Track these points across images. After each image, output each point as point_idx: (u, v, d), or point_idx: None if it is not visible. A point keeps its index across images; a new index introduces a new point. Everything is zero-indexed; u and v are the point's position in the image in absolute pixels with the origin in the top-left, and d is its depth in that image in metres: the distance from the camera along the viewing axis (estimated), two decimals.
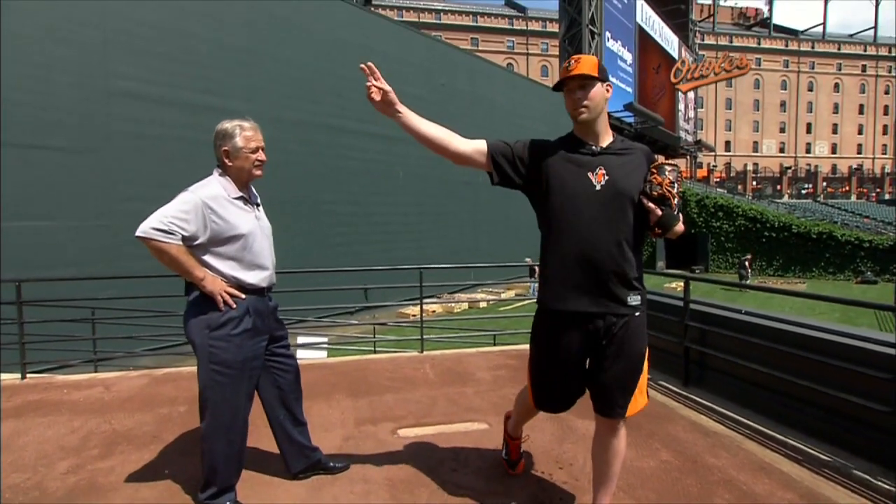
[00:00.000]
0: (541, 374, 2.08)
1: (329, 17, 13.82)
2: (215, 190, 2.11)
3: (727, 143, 72.72)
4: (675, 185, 1.79)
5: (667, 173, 1.80)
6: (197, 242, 2.06)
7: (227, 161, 2.16)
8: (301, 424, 2.48)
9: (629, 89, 33.78)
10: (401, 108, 1.99)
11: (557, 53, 35.64)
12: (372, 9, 16.65)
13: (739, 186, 49.98)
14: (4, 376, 4.39)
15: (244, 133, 2.18)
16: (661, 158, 1.97)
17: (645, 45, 35.86)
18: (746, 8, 79.91)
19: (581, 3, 29.01)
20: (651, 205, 1.80)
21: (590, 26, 29.35)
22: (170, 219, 1.99)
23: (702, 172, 52.85)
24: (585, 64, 1.86)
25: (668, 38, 39.94)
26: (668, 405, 3.72)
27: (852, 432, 2.87)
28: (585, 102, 1.86)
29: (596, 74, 1.85)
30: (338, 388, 3.97)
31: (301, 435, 2.48)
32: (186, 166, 7.73)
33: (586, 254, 1.84)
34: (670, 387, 4.12)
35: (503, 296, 17.68)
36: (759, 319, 3.55)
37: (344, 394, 3.83)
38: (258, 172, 2.23)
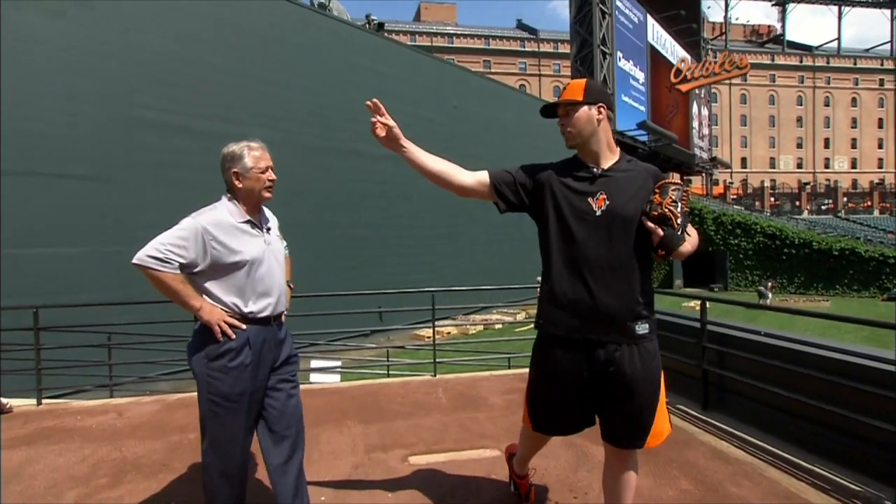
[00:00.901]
0: (537, 395, 2.02)
1: (343, 44, 14.10)
2: (219, 215, 2.04)
3: (743, 160, 72.06)
4: (679, 203, 1.73)
5: (669, 192, 1.74)
6: (197, 269, 1.99)
7: (236, 183, 2.09)
8: (286, 473, 2.12)
9: (642, 108, 33.80)
10: (405, 142, 1.98)
11: (570, 74, 35.86)
12: (385, 35, 16.94)
13: (757, 203, 49.32)
14: (21, 402, 4.43)
15: (252, 153, 2.12)
16: (675, 176, 1.91)
17: (657, 63, 35.97)
18: (759, 25, 79.94)
19: (592, 24, 29.28)
20: (651, 225, 1.74)
21: (601, 47, 29.56)
22: (166, 246, 1.93)
23: (718, 189, 52.36)
24: (570, 90, 1.88)
25: (680, 57, 40.01)
26: (687, 430, 3.60)
27: (883, 461, 2.74)
28: (569, 129, 1.86)
29: (580, 98, 1.84)
30: (349, 413, 3.92)
31: (284, 489, 2.12)
32: (204, 193, 7.83)
33: (586, 281, 1.80)
34: (689, 411, 3.99)
35: (518, 317, 17.52)
36: (780, 342, 3.43)
37: (355, 419, 3.78)
38: (268, 194, 2.16)
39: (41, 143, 8.66)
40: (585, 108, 1.84)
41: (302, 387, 4.88)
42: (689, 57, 30.46)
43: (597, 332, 1.80)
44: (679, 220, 1.71)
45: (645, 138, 33.52)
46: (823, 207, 52.03)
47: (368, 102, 1.91)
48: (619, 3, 31.23)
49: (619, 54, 31.15)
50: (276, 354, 2.16)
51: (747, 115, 72.40)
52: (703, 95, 44.95)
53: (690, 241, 1.78)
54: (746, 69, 27.76)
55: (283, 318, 2.23)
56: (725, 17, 70.07)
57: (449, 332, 15.31)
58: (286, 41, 12.70)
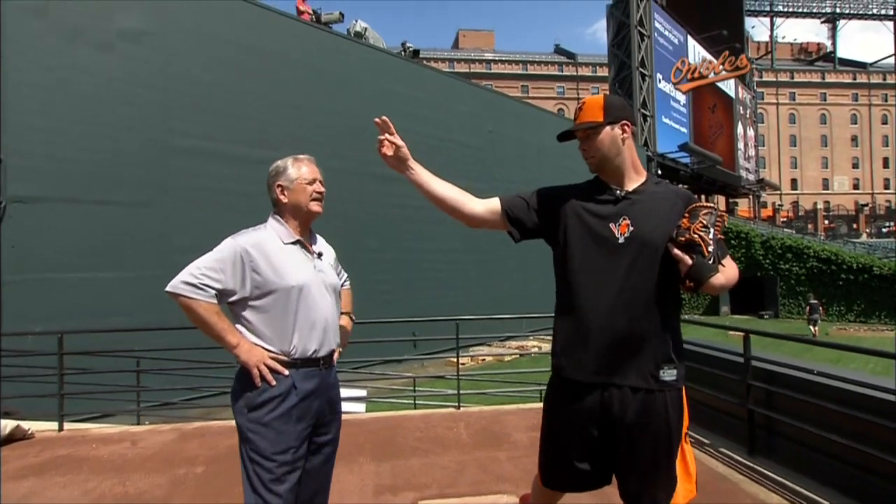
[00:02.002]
0: (549, 446, 1.78)
1: (378, 70, 14.33)
2: (263, 235, 1.83)
3: (793, 181, 69.31)
4: (710, 229, 1.52)
5: (700, 216, 1.54)
6: (235, 298, 1.76)
7: (282, 198, 1.89)
8: None
9: (684, 129, 33.06)
10: (413, 164, 1.87)
11: None
12: (420, 61, 17.17)
13: (809, 226, 47.09)
14: (43, 425, 4.45)
15: (298, 164, 1.95)
16: (708, 199, 1.66)
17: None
18: (807, 43, 77.60)
19: (630, 47, 29.03)
20: (678, 252, 1.53)
21: (640, 69, 29.22)
22: (202, 270, 1.72)
23: (766, 212, 50.38)
24: (588, 110, 1.69)
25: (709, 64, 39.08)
26: (731, 478, 3.27)
27: None
28: (592, 153, 1.69)
29: (601, 119, 1.65)
30: (363, 449, 3.75)
31: None
32: (239, 217, 7.98)
33: (607, 317, 1.59)
34: (733, 455, 3.64)
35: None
36: (836, 382, 3.08)
37: (368, 456, 3.60)
38: (317, 208, 1.93)
39: (86, 170, 9.01)
40: (608, 128, 1.65)
41: None
42: (688, 58, 29.37)
43: (616, 376, 1.59)
44: (710, 248, 1.51)
45: (687, 160, 32.68)
46: (884, 230, 49.16)
47: (377, 119, 1.82)
48: (658, 25, 30.89)
49: (659, 76, 30.68)
50: (323, 404, 1.86)
51: (797, 135, 69.87)
52: (748, 115, 43.69)
53: (726, 273, 1.54)
54: (747, 69, 26.84)
55: (334, 359, 1.94)
56: (771, 35, 68.41)
57: (483, 359, 14.98)
58: (321, 69, 12.99)
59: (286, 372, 1.77)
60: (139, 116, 9.67)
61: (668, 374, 1.59)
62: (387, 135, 1.82)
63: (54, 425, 4.43)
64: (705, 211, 1.55)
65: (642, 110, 29.18)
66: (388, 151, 1.83)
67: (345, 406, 6.36)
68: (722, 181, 37.31)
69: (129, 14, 9.69)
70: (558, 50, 69.74)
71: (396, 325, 10.16)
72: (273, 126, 11.74)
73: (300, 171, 1.94)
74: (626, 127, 1.66)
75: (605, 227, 1.62)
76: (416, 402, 6.66)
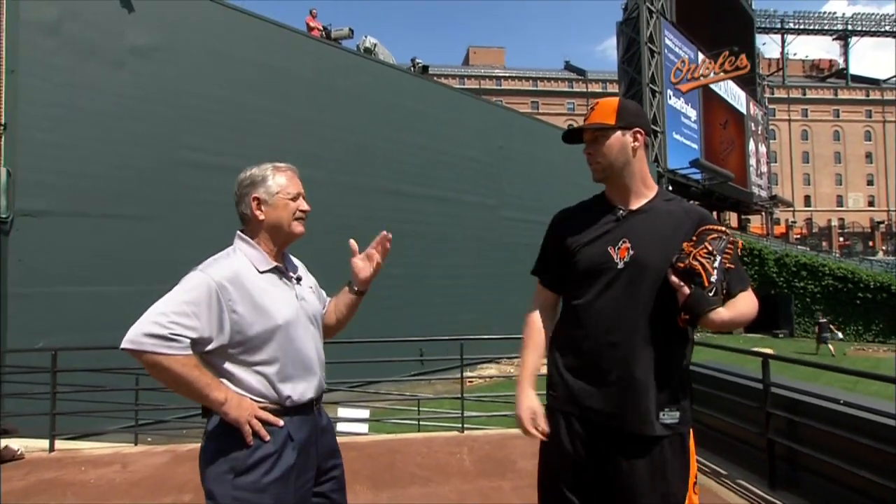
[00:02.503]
0: (542, 482, 1.59)
1: (388, 86, 14.35)
2: (236, 264, 1.50)
3: (807, 198, 68.49)
4: (717, 256, 1.34)
5: (706, 241, 1.36)
6: (211, 347, 1.44)
7: (257, 214, 1.57)
8: None
9: (695, 146, 32.83)
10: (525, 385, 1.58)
11: None
12: (430, 77, 17.21)
13: (824, 243, 46.37)
14: (33, 443, 4.33)
15: (279, 174, 1.61)
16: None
17: (710, 101, 35.05)
18: (819, 60, 77.26)
19: (641, 63, 29.00)
20: (675, 280, 1.35)
21: (650, 85, 29.16)
22: (170, 317, 1.37)
23: (780, 229, 49.71)
24: (599, 111, 1.51)
25: (734, 94, 38.91)
26: None
27: None
28: (598, 158, 1.51)
29: (612, 122, 1.48)
30: (360, 476, 3.57)
31: None
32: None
33: (602, 351, 1.44)
34: (752, 488, 3.41)
35: None
36: (866, 413, 2.87)
37: (365, 484, 3.42)
38: (300, 228, 1.63)
39: (94, 185, 9.01)
40: (619, 133, 1.48)
41: None
42: (688, 59, 28.97)
43: (609, 417, 1.42)
44: (713, 278, 1.32)
45: (699, 176, 32.40)
46: None
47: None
48: (668, 42, 30.86)
49: (669, 92, 30.57)
50: (321, 450, 1.61)
51: (810, 152, 69.21)
52: (760, 132, 43.37)
53: (736, 308, 1.36)
54: (746, 69, 26.74)
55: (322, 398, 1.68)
56: (782, 52, 68.19)
57: (491, 378, 14.70)
58: (331, 85, 13.01)
59: (281, 422, 1.48)
60: (148, 132, 9.69)
61: (669, 417, 1.40)
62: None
63: (45, 445, 4.30)
64: (714, 235, 1.38)
65: (653, 126, 29.05)
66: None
67: (347, 427, 6.19)
68: (734, 198, 36.94)
69: (140, 30, 9.77)
70: (568, 66, 69.99)
71: (403, 343, 9.96)
72: (282, 141, 11.74)
73: (282, 183, 1.60)
74: (638, 135, 1.49)
75: (604, 251, 1.46)
76: (421, 423, 6.46)
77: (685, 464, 1.42)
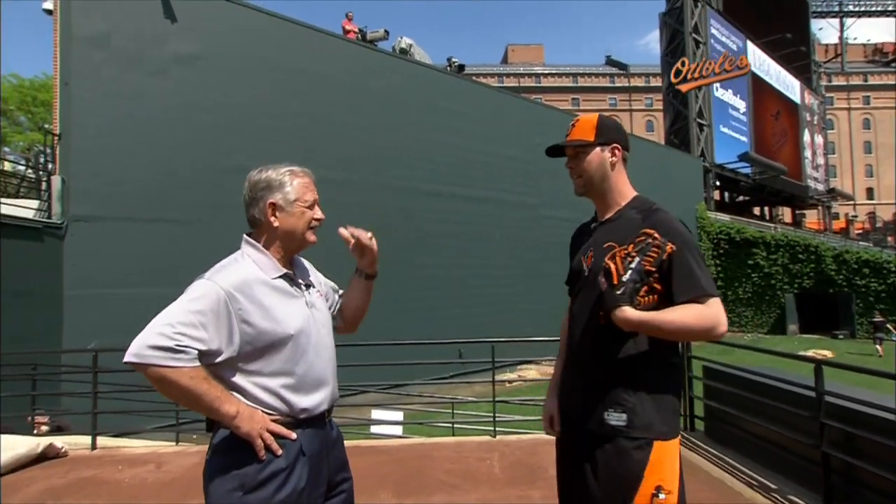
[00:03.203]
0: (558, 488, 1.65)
1: (424, 86, 14.33)
2: (244, 271, 1.44)
3: (869, 191, 64.64)
4: (636, 257, 1.37)
5: (632, 243, 1.42)
6: (221, 359, 1.36)
7: (271, 220, 1.50)
8: None
9: (744, 139, 31.47)
10: None
11: (662, 108, 34.39)
12: (466, 76, 17.10)
13: (889, 238, 43.60)
14: (77, 440, 4.48)
15: (297, 180, 1.54)
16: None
17: (760, 91, 33.55)
18: (882, 43, 72.58)
19: (685, 55, 27.97)
20: (600, 279, 1.41)
21: None
22: (176, 328, 1.30)
23: (839, 224, 47.09)
24: (579, 128, 1.61)
25: (787, 83, 37.12)
26: None
27: None
28: (579, 173, 1.61)
29: (591, 138, 1.57)
30: (386, 481, 3.50)
31: None
32: None
33: (573, 354, 1.59)
34: None
35: None
36: None
37: (390, 490, 3.35)
38: (313, 237, 1.57)
39: (142, 190, 9.36)
40: (598, 149, 1.58)
41: (351, 442, 4.57)
42: (688, 59, 27.67)
43: (581, 417, 1.50)
44: (624, 277, 1.36)
45: (748, 171, 31.03)
46: None
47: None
48: (714, 31, 29.68)
49: (716, 84, 29.39)
50: (332, 464, 1.54)
51: (872, 142, 65.28)
52: (815, 122, 41.18)
53: (662, 314, 1.36)
54: (747, 69, 25.74)
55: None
56: (841, 37, 64.53)
57: (531, 381, 14.47)
58: (367, 86, 13.09)
59: (293, 435, 1.41)
60: (190, 138, 9.99)
61: (615, 419, 1.42)
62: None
63: (88, 442, 4.44)
64: (640, 237, 1.42)
65: (698, 120, 28.00)
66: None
67: (380, 429, 6.15)
68: (787, 192, 35.20)
69: (182, 39, 10.08)
70: (610, 61, 68.43)
71: (439, 344, 9.89)
72: (319, 143, 11.89)
73: (301, 190, 1.53)
74: (616, 150, 1.59)
75: (579, 261, 1.60)
76: (455, 426, 6.37)
77: (631, 471, 1.39)
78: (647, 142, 25.69)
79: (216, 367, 1.37)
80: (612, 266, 1.38)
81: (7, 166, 19.62)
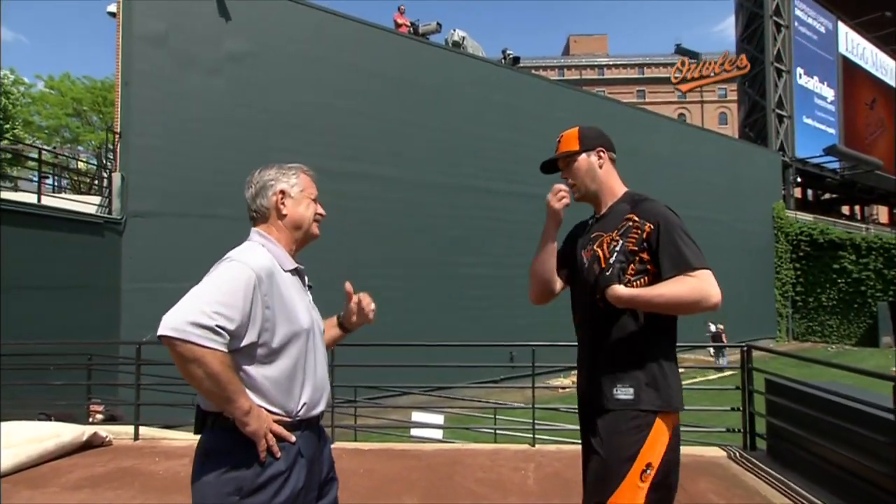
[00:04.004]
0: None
1: (475, 80, 14.25)
2: (269, 257, 1.46)
3: None
4: (619, 241, 1.62)
5: (616, 228, 1.66)
6: (243, 343, 1.37)
7: (281, 208, 1.55)
8: None
9: (831, 130, 29.38)
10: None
11: (737, 98, 32.69)
12: (522, 69, 16.88)
13: None
14: (124, 429, 4.72)
15: (303, 174, 1.62)
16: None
17: (852, 77, 31.23)
18: None
19: (764, 40, 26.46)
20: (594, 266, 1.67)
21: (775, 64, 26.52)
22: (214, 307, 1.30)
23: None
24: (564, 142, 1.82)
25: (885, 68, 34.36)
26: None
27: None
28: (573, 181, 1.81)
29: (576, 147, 1.79)
30: (414, 488, 3.47)
31: None
32: (334, 229, 8.26)
33: (582, 340, 1.77)
34: None
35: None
36: None
37: (416, 496, 3.31)
38: (317, 231, 1.63)
39: (194, 187, 9.83)
40: (584, 156, 1.79)
41: (385, 445, 4.57)
42: (688, 59, 26.33)
43: (592, 394, 1.69)
44: (611, 259, 1.61)
45: (836, 166, 28.96)
46: None
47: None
48: (798, 13, 27.87)
49: (800, 70, 27.59)
50: (322, 466, 1.58)
51: None
52: None
53: (651, 289, 1.55)
54: (746, 69, 24.41)
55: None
56: None
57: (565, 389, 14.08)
58: (418, 81, 13.16)
59: (293, 438, 1.43)
60: (241, 136, 10.38)
61: (623, 393, 1.60)
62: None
63: (146, 430, 4.68)
64: (623, 222, 1.64)
65: (777, 110, 26.37)
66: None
67: (420, 432, 6.14)
68: (882, 189, 32.53)
69: (236, 38, 10.49)
70: (679, 50, 65.75)
71: (484, 345, 9.80)
72: (368, 141, 12.08)
73: (307, 182, 1.62)
74: (601, 153, 1.79)
75: (580, 255, 1.77)
76: (497, 432, 6.27)
77: (634, 443, 1.55)
78: (718, 135, 24.46)
79: (234, 354, 1.37)
80: (600, 252, 1.64)
81: (80, 165, 21.22)
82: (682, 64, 24.17)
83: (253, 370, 1.40)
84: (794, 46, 27.30)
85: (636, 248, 1.59)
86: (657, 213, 1.61)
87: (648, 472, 1.54)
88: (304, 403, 1.47)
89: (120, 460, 3.97)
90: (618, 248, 1.59)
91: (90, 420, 6.26)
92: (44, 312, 7.57)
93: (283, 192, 1.57)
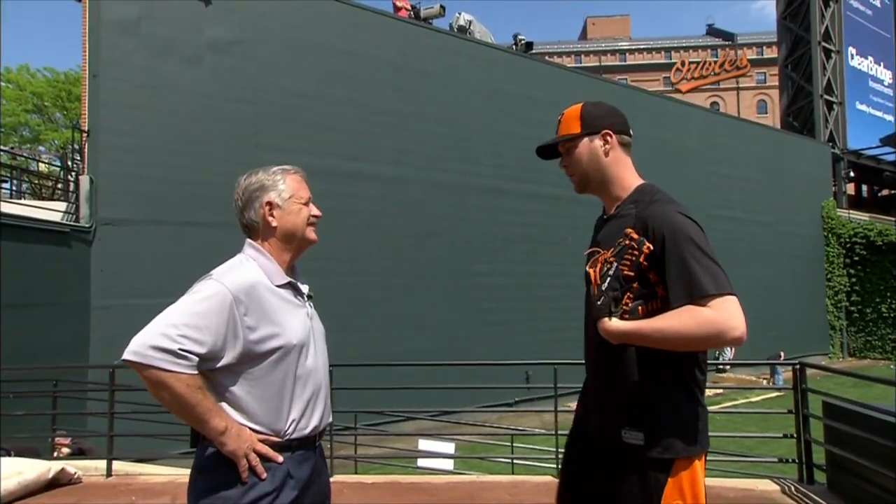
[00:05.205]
0: None
1: (484, 68, 14.29)
2: (252, 275, 1.55)
3: None
4: (612, 264, 1.47)
5: (613, 246, 1.51)
6: (220, 364, 1.47)
7: (270, 220, 1.64)
8: None
9: (889, 117, 29.20)
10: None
11: (777, 84, 32.64)
12: (535, 56, 16.94)
13: None
14: (94, 465, 4.70)
15: (290, 177, 1.69)
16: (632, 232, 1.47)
17: None
18: None
19: (809, 17, 26.41)
20: (590, 288, 1.52)
21: (823, 43, 26.42)
22: (180, 330, 1.41)
23: None
24: (565, 122, 1.67)
25: None
26: None
27: None
28: (573, 169, 1.67)
29: (577, 130, 1.63)
30: None
31: None
32: (329, 236, 8.24)
33: (589, 366, 1.69)
34: None
35: (708, 392, 15.50)
36: None
37: None
38: (313, 235, 1.70)
39: (174, 190, 9.86)
40: (586, 140, 1.63)
41: (385, 478, 4.53)
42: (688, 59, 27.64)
43: (593, 430, 1.63)
44: (603, 286, 1.46)
45: (893, 158, 28.78)
46: None
47: None
48: None
49: (852, 50, 27.50)
50: (318, 489, 1.66)
51: None
52: None
53: (652, 321, 1.41)
54: (746, 69, 25.32)
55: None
56: None
57: None
58: (420, 70, 13.21)
59: (280, 458, 1.52)
60: (227, 131, 10.43)
61: (632, 438, 1.48)
62: None
63: (120, 465, 4.66)
64: (620, 239, 1.49)
65: (826, 96, 26.27)
66: None
67: (429, 463, 6.10)
68: None
69: (217, 24, 10.56)
70: (712, 30, 65.83)
71: (498, 364, 9.75)
72: (367, 136, 12.11)
73: (294, 186, 1.69)
74: (608, 136, 1.61)
75: (584, 269, 1.63)
76: (514, 462, 6.22)
77: (648, 496, 1.45)
78: (757, 126, 24.38)
79: (213, 372, 1.49)
80: (592, 273, 1.49)
81: (42, 167, 21.37)
82: (682, 64, 24.91)
83: (236, 389, 1.51)
84: (845, 23, 27.17)
85: (632, 274, 1.44)
86: (664, 223, 1.44)
87: None
88: (294, 421, 1.55)
89: (90, 500, 3.95)
90: (611, 273, 1.45)
91: (55, 454, 6.25)
92: (1, 333, 7.59)
93: (269, 203, 1.65)
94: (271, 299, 1.55)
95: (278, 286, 1.60)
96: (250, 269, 1.58)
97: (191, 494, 1.52)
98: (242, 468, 1.47)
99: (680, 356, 1.48)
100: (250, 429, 1.51)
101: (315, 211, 1.71)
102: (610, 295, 1.44)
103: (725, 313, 1.35)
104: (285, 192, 1.66)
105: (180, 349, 1.40)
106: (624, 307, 1.45)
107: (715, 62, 26.43)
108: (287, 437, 1.55)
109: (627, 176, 1.63)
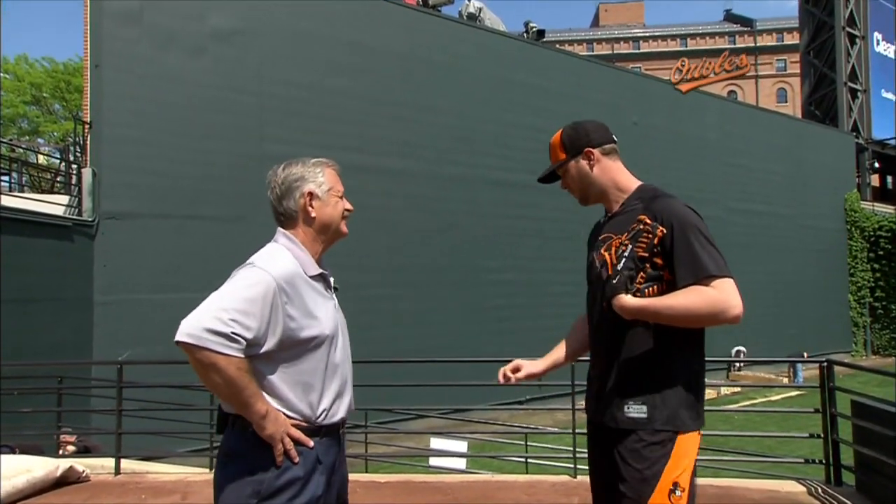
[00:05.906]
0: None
1: (495, 57, 14.25)
2: (290, 264, 1.63)
3: None
4: (628, 245, 1.65)
5: (627, 231, 1.69)
6: (262, 350, 1.55)
7: (310, 211, 1.70)
8: None
9: None
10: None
11: (798, 71, 32.37)
12: (548, 44, 16.86)
13: None
14: (102, 462, 4.75)
15: (329, 169, 1.76)
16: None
17: None
18: None
19: (833, 2, 26.17)
20: (601, 271, 1.71)
21: (847, 28, 26.19)
22: (231, 314, 1.47)
23: None
24: (552, 151, 1.91)
25: None
26: None
27: None
28: (572, 189, 1.90)
29: (563, 156, 1.87)
30: None
31: None
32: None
33: (594, 351, 1.86)
34: None
35: (724, 390, 15.52)
36: None
37: None
38: (345, 229, 1.80)
39: (177, 183, 9.90)
40: (572, 163, 1.86)
41: (398, 476, 4.56)
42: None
43: (598, 411, 1.77)
44: (618, 266, 1.64)
45: None
46: None
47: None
48: None
49: (878, 36, 27.22)
50: (340, 477, 1.77)
51: None
52: None
53: (664, 298, 1.61)
54: (746, 69, 25.40)
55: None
56: None
57: None
58: (428, 60, 13.19)
59: (311, 443, 1.62)
60: (231, 123, 10.47)
61: (634, 411, 1.65)
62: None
63: (128, 463, 4.71)
64: (634, 224, 1.67)
65: (850, 83, 26.03)
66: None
67: (441, 462, 6.14)
68: None
69: (221, 13, 10.58)
70: (730, 16, 65.34)
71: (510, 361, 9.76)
72: (373, 128, 12.12)
73: (332, 179, 1.76)
74: (590, 154, 1.82)
75: (591, 257, 1.82)
76: (529, 461, 6.25)
77: (656, 460, 1.59)
78: (777, 115, 24.22)
79: (252, 359, 1.55)
80: (608, 256, 1.68)
81: (41, 159, 21.51)
82: (682, 63, 25.08)
83: (273, 376, 1.59)
84: (871, 7, 26.88)
85: (646, 255, 1.64)
86: (672, 213, 1.64)
87: (678, 493, 1.58)
88: (324, 410, 1.66)
89: (99, 498, 3.99)
90: (626, 254, 1.63)
91: (60, 452, 6.31)
92: (4, 329, 7.65)
93: (311, 193, 1.70)
94: (307, 290, 1.64)
95: (311, 277, 1.67)
96: (288, 258, 1.65)
97: (218, 480, 1.59)
98: (278, 452, 1.55)
99: (683, 335, 1.66)
100: (284, 414, 1.59)
101: (348, 205, 1.79)
102: (625, 274, 1.62)
103: (726, 293, 1.56)
104: (325, 184, 1.73)
105: (233, 332, 1.46)
106: (637, 285, 1.63)
107: (715, 62, 26.72)
108: (317, 423, 1.64)
109: (622, 179, 1.84)
